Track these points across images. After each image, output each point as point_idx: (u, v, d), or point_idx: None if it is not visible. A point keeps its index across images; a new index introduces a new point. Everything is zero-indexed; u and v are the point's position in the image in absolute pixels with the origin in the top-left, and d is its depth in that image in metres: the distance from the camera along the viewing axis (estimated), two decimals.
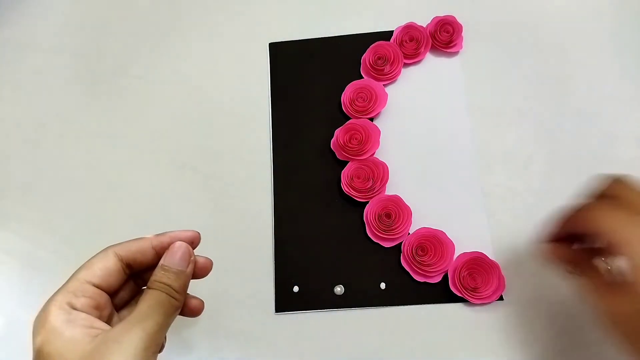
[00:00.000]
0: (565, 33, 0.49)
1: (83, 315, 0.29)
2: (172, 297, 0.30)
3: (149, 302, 0.29)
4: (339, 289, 0.42)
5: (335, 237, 0.44)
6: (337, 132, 0.46)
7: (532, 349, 0.39)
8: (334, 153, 0.46)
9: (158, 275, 0.31)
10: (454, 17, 0.49)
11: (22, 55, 0.53)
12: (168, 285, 0.30)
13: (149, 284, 0.31)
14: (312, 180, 0.46)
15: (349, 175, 0.44)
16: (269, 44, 0.51)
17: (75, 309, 0.29)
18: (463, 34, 0.48)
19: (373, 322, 0.41)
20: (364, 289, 0.42)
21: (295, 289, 0.42)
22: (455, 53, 0.49)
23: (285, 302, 0.42)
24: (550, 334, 0.39)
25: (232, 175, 0.47)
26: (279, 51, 0.51)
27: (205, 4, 0.53)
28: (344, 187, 0.44)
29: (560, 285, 0.41)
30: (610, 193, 0.31)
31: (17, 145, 0.49)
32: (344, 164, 0.45)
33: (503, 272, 0.41)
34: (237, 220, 0.45)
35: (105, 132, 0.49)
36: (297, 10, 0.52)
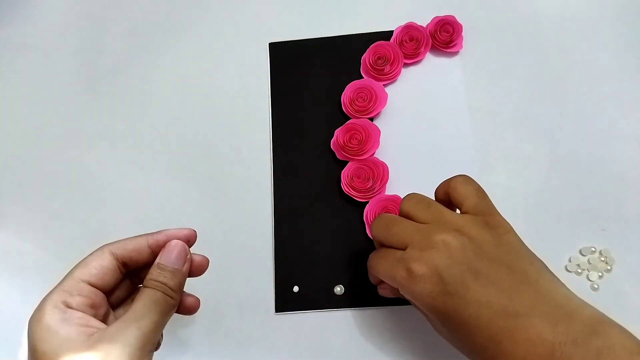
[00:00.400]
0: (565, 33, 0.49)
1: (78, 314, 0.29)
2: (168, 296, 0.30)
3: (145, 301, 0.29)
4: (339, 289, 0.42)
5: (335, 237, 0.44)
6: (337, 132, 0.46)
7: None
8: (334, 153, 0.46)
9: (154, 273, 0.31)
10: (454, 17, 0.49)
11: (22, 55, 0.53)
12: (164, 284, 0.30)
13: (144, 282, 0.31)
14: (312, 180, 0.46)
15: (349, 175, 0.44)
16: (269, 44, 0.51)
17: (70, 307, 0.29)
18: (463, 34, 0.49)
19: (373, 322, 0.41)
20: (364, 289, 0.42)
21: (295, 289, 0.42)
22: (455, 53, 0.49)
23: (285, 302, 0.42)
24: None
25: (232, 175, 0.47)
26: (279, 51, 0.51)
27: (205, 4, 0.53)
28: (344, 187, 0.44)
29: None
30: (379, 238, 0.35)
31: (17, 145, 0.49)
32: (344, 164, 0.45)
33: None
34: (237, 220, 0.45)
35: (105, 132, 0.49)
36: (297, 10, 0.52)
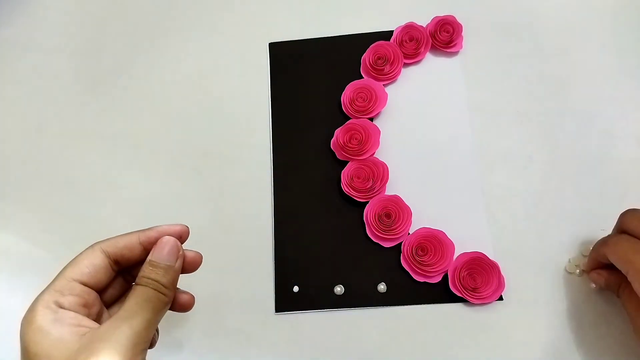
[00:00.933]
0: (565, 33, 0.49)
1: (71, 314, 0.28)
2: (161, 293, 0.30)
3: (137, 299, 0.29)
4: (339, 289, 0.42)
5: (335, 237, 0.44)
6: (337, 132, 0.46)
7: (532, 349, 0.39)
8: (334, 153, 0.46)
9: (146, 271, 0.30)
10: (454, 17, 0.49)
11: (22, 55, 0.53)
12: (156, 281, 0.30)
13: (137, 280, 0.30)
14: (312, 180, 0.46)
15: (349, 175, 0.44)
16: (269, 44, 0.51)
17: (62, 307, 0.28)
18: (463, 34, 0.49)
19: (373, 322, 0.41)
20: (364, 289, 0.42)
21: (295, 289, 0.42)
22: (455, 53, 0.49)
23: (285, 302, 0.42)
24: (550, 334, 0.39)
25: (232, 175, 0.47)
26: (279, 51, 0.51)
27: (205, 4, 0.53)
28: (344, 187, 0.44)
29: (561, 285, 0.41)
30: (626, 226, 0.35)
31: (16, 145, 0.49)
32: (344, 164, 0.45)
33: (503, 272, 0.41)
34: (237, 220, 0.45)
35: (105, 132, 0.49)
36: (297, 10, 0.52)
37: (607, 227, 0.42)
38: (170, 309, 0.32)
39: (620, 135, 0.45)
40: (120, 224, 0.46)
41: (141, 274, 0.30)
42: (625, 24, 0.49)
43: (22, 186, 0.48)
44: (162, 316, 0.31)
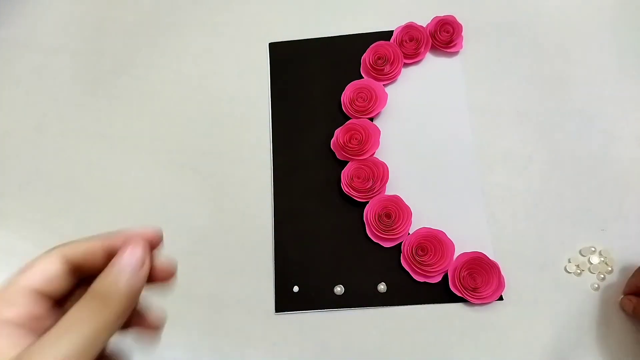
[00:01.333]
0: (565, 33, 0.49)
1: (7, 330, 0.24)
2: (111, 305, 0.25)
3: (79, 313, 0.24)
4: (339, 289, 0.42)
5: (335, 237, 0.44)
6: (337, 132, 0.46)
7: (532, 349, 0.39)
8: (334, 153, 0.46)
9: (98, 281, 0.25)
10: (454, 17, 0.49)
11: (22, 55, 0.53)
12: (109, 291, 0.25)
13: (89, 288, 0.25)
14: (312, 180, 0.46)
15: (349, 175, 0.44)
16: (269, 44, 0.51)
17: (6, 319, 0.24)
18: (463, 34, 0.49)
19: (373, 322, 0.41)
20: (364, 289, 0.42)
21: (295, 289, 0.42)
22: (455, 53, 0.49)
23: (285, 302, 0.42)
24: (550, 334, 0.39)
25: (232, 175, 0.47)
26: (279, 51, 0.51)
27: (206, 4, 0.53)
28: (344, 187, 0.44)
29: (561, 285, 0.41)
30: None
31: (16, 144, 0.49)
32: (344, 164, 0.45)
33: (503, 272, 0.41)
34: (237, 221, 0.45)
35: (105, 132, 0.49)
36: (297, 10, 0.52)
37: (606, 227, 0.42)
38: (138, 328, 0.28)
39: (620, 135, 0.45)
40: (120, 223, 0.46)
41: (94, 282, 0.25)
42: (625, 24, 0.49)
43: (22, 186, 0.48)
44: (114, 331, 0.25)
